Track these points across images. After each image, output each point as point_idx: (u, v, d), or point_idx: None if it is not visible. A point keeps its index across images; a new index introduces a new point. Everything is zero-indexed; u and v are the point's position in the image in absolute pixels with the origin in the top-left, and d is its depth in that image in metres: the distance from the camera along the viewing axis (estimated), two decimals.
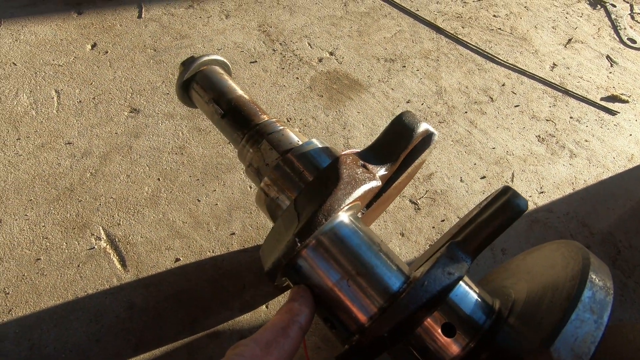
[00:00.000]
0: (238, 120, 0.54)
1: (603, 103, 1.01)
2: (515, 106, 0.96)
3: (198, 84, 0.57)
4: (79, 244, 0.63)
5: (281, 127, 0.52)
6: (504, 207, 0.39)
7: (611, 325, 0.44)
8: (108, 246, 0.63)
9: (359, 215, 0.51)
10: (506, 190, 0.41)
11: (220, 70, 0.60)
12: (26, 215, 0.64)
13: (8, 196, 0.66)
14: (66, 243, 0.63)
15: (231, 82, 0.59)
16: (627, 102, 1.02)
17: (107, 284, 0.60)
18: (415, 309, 0.34)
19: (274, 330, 0.32)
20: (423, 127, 0.48)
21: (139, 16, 0.96)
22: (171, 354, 0.56)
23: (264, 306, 0.61)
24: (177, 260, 0.63)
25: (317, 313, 0.39)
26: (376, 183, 0.43)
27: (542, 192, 0.83)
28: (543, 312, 0.32)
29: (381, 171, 0.47)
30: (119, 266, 0.62)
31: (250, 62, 0.92)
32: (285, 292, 0.63)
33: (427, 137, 0.50)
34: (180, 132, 0.78)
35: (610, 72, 1.09)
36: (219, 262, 0.64)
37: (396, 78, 0.96)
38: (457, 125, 0.90)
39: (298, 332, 0.33)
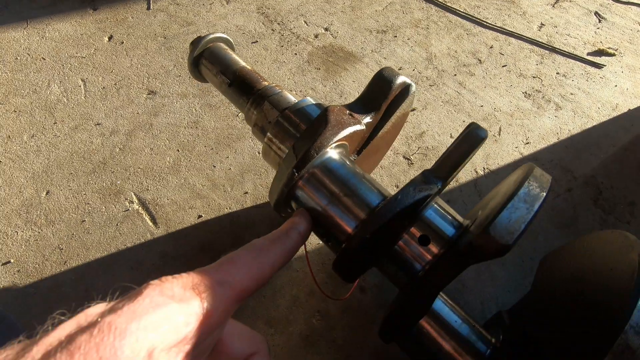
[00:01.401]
0: (243, 87, 0.63)
1: (590, 58, 1.05)
2: (503, 66, 1.02)
3: (206, 59, 0.66)
4: (115, 207, 0.73)
5: (279, 90, 0.61)
6: (467, 137, 0.47)
7: (585, 235, 0.51)
8: (140, 208, 0.73)
9: (352, 158, 0.59)
10: (470, 124, 0.49)
11: (225, 46, 0.68)
12: (69, 185, 0.75)
13: (52, 171, 0.77)
14: (105, 207, 0.73)
15: (235, 56, 0.67)
16: (613, 55, 1.06)
17: (142, 238, 0.70)
18: (391, 217, 0.42)
19: (276, 233, 0.39)
20: (400, 79, 0.56)
21: (148, 8, 1.04)
22: None
23: None
24: (200, 216, 0.73)
25: (315, 232, 0.48)
26: (360, 127, 0.51)
27: (528, 143, 0.89)
28: (492, 212, 0.40)
29: (366, 119, 0.55)
30: (150, 224, 0.72)
31: (252, 43, 1.00)
32: None
33: (405, 89, 0.57)
34: (193, 109, 0.87)
35: (598, 28, 1.13)
36: (235, 217, 0.74)
37: (388, 48, 1.02)
38: (447, 87, 0.96)
39: (297, 236, 0.41)
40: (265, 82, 0.63)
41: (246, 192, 0.76)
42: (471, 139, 0.47)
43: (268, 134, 0.57)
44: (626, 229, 0.78)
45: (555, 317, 0.43)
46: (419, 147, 0.85)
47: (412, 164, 0.83)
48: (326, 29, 1.05)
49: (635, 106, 0.99)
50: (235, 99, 0.64)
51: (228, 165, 0.80)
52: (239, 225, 0.73)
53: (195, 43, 0.66)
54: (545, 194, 0.38)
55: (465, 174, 0.83)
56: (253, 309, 0.65)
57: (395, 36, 1.05)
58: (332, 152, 0.49)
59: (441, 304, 0.52)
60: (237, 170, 0.79)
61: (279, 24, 1.05)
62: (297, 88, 0.92)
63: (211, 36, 0.66)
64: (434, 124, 0.89)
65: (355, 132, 0.51)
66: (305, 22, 1.06)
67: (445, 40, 1.05)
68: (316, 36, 1.03)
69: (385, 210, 0.42)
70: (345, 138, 0.50)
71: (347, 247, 0.43)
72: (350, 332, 0.64)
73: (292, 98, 0.59)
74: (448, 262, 0.42)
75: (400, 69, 0.98)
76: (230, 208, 0.75)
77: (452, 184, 0.81)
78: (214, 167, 0.79)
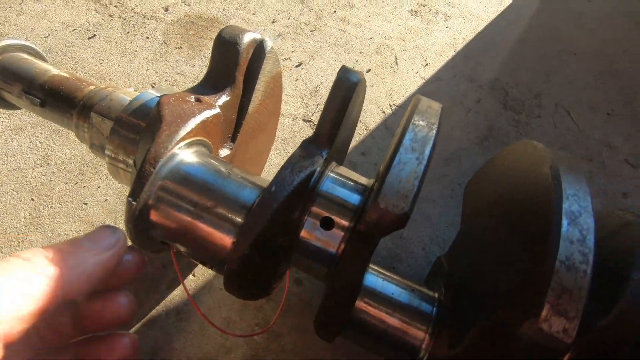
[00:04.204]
0: (60, 102, 0.48)
1: None
2: None
3: (0, 80, 0.49)
4: None
5: (108, 92, 0.47)
6: (337, 86, 0.38)
7: (507, 148, 0.45)
8: None
9: (227, 151, 0.48)
10: (339, 70, 0.39)
11: (23, 55, 0.51)
12: None
13: None
14: None
15: (40, 64, 0.51)
16: None
17: None
18: (272, 215, 0.33)
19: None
20: (248, 37, 0.45)
21: None
22: None
23: (190, 275, 0.60)
24: None
25: (193, 259, 0.38)
26: (212, 112, 0.40)
27: (427, 65, 0.83)
28: (383, 171, 0.32)
29: (222, 99, 0.44)
30: None
31: (89, 38, 0.81)
32: None
33: (258, 48, 0.46)
34: (37, 142, 0.69)
35: None
36: None
37: (253, 1, 0.88)
38: (330, 28, 0.86)
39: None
40: (90, 87, 0.49)
41: None
42: (342, 87, 0.38)
43: (106, 151, 0.44)
44: (538, 124, 0.77)
45: (482, 258, 0.38)
46: (317, 105, 0.76)
47: (315, 125, 0.74)
48: None
49: None
50: (57, 119, 0.49)
51: (102, 197, 0.65)
52: None
53: None
54: (434, 131, 0.31)
55: (372, 118, 0.75)
56: (182, 351, 0.55)
57: None
58: (184, 154, 0.38)
59: (373, 278, 0.46)
60: (116, 199, 0.65)
61: (115, 6, 0.85)
62: (160, 78, 0.77)
63: None
64: (326, 73, 0.80)
65: (207, 121, 0.40)
66: None
67: None
68: (166, 9, 0.86)
69: (259, 211, 0.33)
70: (194, 132, 0.38)
71: (230, 269, 0.33)
72: (297, 334, 0.57)
73: (127, 97, 0.46)
74: (357, 243, 0.35)
75: (274, 22, 0.86)
76: None
77: (362, 133, 0.74)
78: (85, 204, 0.64)
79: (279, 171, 0.34)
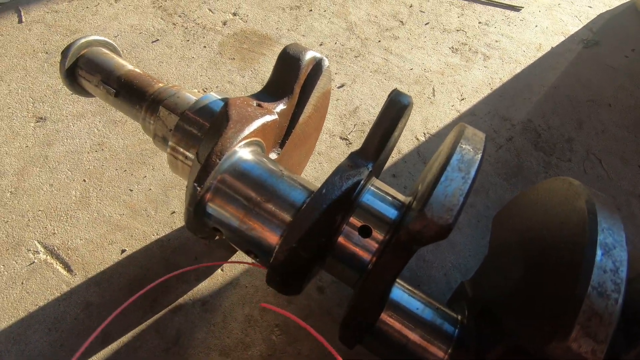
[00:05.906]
0: (132, 94, 0.53)
1: (507, 2, 1.04)
2: (426, 24, 0.98)
3: (83, 69, 0.55)
4: (17, 262, 0.61)
5: (176, 91, 0.52)
6: (389, 106, 0.41)
7: (525, 190, 0.48)
8: (48, 257, 0.62)
9: (274, 155, 0.52)
10: (391, 92, 0.43)
11: (104, 50, 0.57)
12: None
13: None
14: (3, 265, 0.61)
15: (118, 59, 0.57)
16: None
17: (57, 291, 0.59)
18: (319, 216, 0.36)
19: None
20: (309, 54, 0.49)
21: (20, 21, 0.89)
22: (139, 337, 0.57)
23: (219, 270, 0.63)
24: (123, 251, 0.63)
25: (239, 247, 0.41)
26: (271, 117, 0.44)
27: (463, 99, 0.86)
28: (428, 186, 0.35)
29: (279, 107, 0.48)
30: (64, 272, 0.61)
31: (152, 42, 0.88)
32: (239, 252, 0.65)
33: (317, 65, 0.50)
34: (95, 129, 0.75)
35: None
36: (165, 242, 0.64)
37: (305, 24, 0.95)
38: (373, 56, 0.91)
39: None
40: (160, 84, 0.54)
41: (173, 212, 0.67)
42: (394, 108, 0.41)
43: (169, 142, 0.48)
44: (568, 168, 0.79)
45: (512, 286, 0.40)
46: (355, 125, 0.80)
47: (350, 143, 0.78)
48: (234, 14, 0.95)
49: (557, 43, 0.99)
50: (127, 110, 0.54)
51: (147, 186, 0.70)
52: (172, 251, 0.64)
53: (65, 52, 0.55)
54: (480, 155, 0.34)
55: (406, 143, 0.78)
56: (203, 341, 0.57)
57: (311, 10, 0.98)
58: (243, 152, 0.42)
59: (399, 292, 0.47)
60: (159, 189, 0.69)
61: (179, 16, 0.93)
62: (212, 84, 0.83)
63: (83, 40, 0.55)
64: (366, 96, 0.84)
65: (267, 124, 0.44)
66: (209, 9, 0.95)
67: (363, 6, 1.00)
68: (224, 23, 0.93)
69: (309, 209, 0.36)
70: (255, 133, 0.42)
71: (276, 261, 0.36)
72: (315, 340, 0.58)
73: (192, 97, 0.51)
74: (393, 252, 0.37)
75: (321, 45, 0.91)
76: (157, 233, 0.65)
77: (395, 156, 0.77)
78: (131, 190, 0.69)
79: (330, 176, 0.38)
